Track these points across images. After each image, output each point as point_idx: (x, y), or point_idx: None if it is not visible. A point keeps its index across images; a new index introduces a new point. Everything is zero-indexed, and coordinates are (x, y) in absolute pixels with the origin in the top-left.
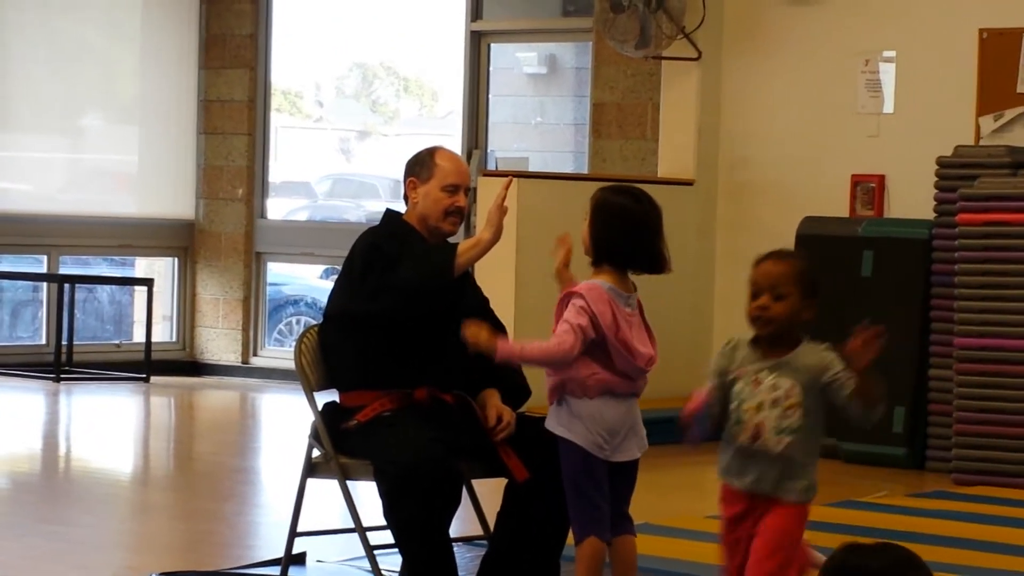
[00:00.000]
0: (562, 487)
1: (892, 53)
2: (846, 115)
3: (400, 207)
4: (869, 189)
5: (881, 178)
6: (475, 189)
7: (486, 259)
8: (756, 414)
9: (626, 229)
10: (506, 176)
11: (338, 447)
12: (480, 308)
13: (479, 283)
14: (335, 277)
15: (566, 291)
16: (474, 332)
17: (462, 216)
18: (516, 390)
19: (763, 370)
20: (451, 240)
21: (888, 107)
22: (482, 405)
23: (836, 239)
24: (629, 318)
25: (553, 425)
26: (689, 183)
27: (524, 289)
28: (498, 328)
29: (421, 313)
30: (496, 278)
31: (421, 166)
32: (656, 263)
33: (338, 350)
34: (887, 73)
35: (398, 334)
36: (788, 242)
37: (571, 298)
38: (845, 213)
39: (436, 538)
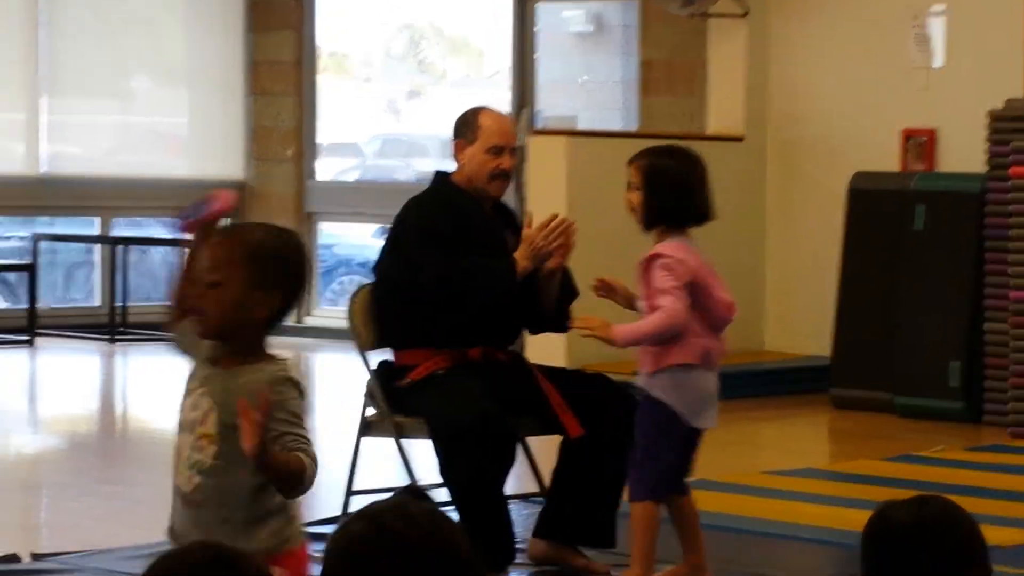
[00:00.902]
0: (618, 444)
1: (941, 7)
2: (896, 69)
3: (450, 166)
4: (920, 143)
5: (932, 132)
6: (523, 148)
7: (537, 215)
8: (178, 436)
9: (677, 190)
10: (557, 133)
11: (393, 406)
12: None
13: None
14: (386, 236)
15: (648, 255)
16: (585, 322)
17: (508, 178)
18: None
19: (198, 378)
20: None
21: (938, 61)
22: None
23: (888, 194)
24: (708, 265)
25: (652, 387)
26: (739, 139)
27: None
28: (569, 279)
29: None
30: None
31: (467, 127)
32: (704, 216)
33: (391, 310)
34: (937, 27)
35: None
36: (839, 197)
37: (654, 261)
38: (896, 168)
39: (492, 495)
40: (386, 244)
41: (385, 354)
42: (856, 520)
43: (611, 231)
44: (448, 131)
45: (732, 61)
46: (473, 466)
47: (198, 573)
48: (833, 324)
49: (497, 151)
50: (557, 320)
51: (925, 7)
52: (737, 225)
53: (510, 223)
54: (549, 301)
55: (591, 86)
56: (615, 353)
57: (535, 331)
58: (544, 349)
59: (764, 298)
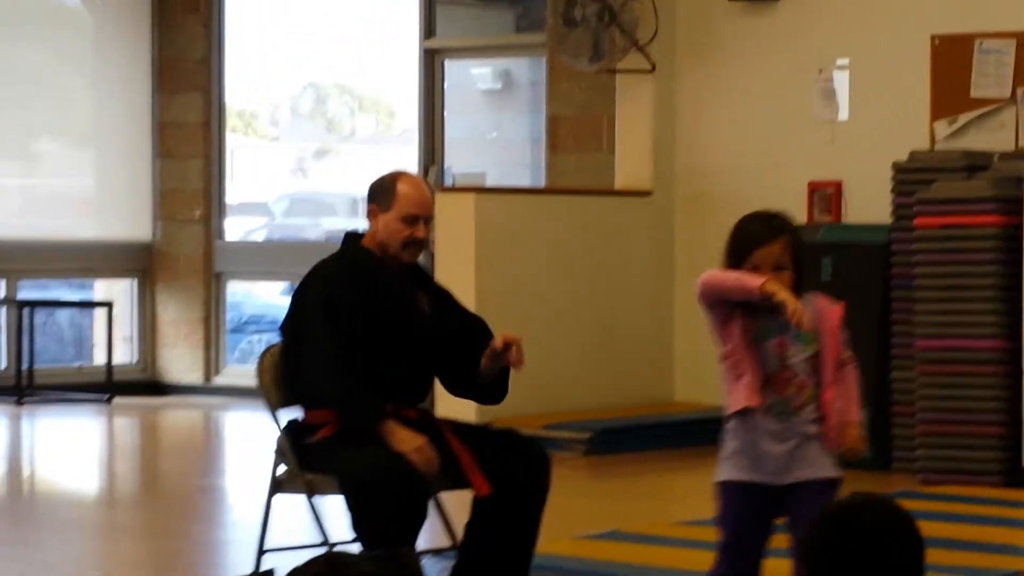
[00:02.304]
0: (529, 498)
1: (845, 61)
2: (802, 123)
3: (359, 224)
4: (826, 195)
5: (838, 184)
6: None
7: (446, 272)
8: None
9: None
10: (465, 191)
11: (303, 463)
12: (446, 308)
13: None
14: (292, 295)
15: (836, 308)
16: (856, 450)
17: (422, 246)
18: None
19: None
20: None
21: (843, 114)
22: (488, 345)
23: None
24: None
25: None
26: (647, 194)
27: (484, 303)
28: (471, 318)
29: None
30: (456, 293)
31: (383, 193)
32: None
33: (299, 369)
34: (841, 81)
35: (359, 355)
36: None
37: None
38: (803, 220)
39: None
40: (292, 304)
41: (295, 412)
42: (767, 568)
43: (519, 286)
44: (357, 189)
45: (639, 116)
46: (384, 522)
47: None
48: None
49: (412, 220)
50: (493, 389)
51: (830, 61)
52: (646, 279)
53: (422, 284)
54: (489, 373)
55: (500, 143)
56: (526, 407)
57: (459, 395)
58: (453, 404)
59: (673, 351)
